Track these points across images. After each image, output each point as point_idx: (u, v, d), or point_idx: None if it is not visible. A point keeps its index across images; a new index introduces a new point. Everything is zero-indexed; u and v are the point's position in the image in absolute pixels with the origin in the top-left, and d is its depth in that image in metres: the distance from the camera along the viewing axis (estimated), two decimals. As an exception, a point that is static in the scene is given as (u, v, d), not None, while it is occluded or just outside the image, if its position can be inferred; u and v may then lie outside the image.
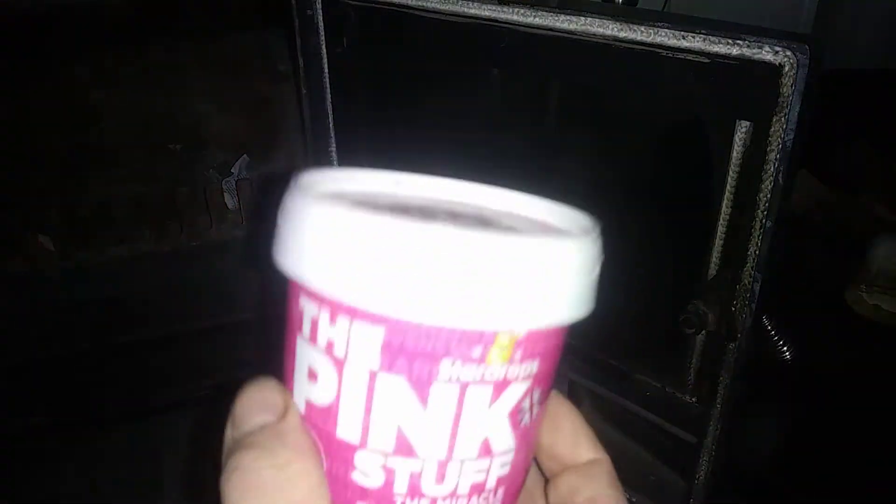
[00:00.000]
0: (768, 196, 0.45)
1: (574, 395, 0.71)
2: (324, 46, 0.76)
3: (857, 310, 0.74)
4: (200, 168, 1.09)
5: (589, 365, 0.63)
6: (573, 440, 0.26)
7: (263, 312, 0.97)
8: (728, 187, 0.48)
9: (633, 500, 0.63)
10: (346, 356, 0.19)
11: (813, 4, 1.36)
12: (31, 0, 0.81)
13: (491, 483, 0.21)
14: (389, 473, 0.20)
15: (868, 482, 0.76)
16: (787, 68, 0.42)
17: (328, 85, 0.78)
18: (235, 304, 0.99)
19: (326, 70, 0.77)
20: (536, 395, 0.21)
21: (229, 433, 0.21)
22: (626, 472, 0.66)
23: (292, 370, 0.21)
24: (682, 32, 0.46)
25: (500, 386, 0.19)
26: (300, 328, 0.20)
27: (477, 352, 0.18)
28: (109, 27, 0.96)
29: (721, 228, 0.50)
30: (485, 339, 0.18)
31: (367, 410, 0.19)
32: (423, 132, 0.74)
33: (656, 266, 0.57)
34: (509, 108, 0.64)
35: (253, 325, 0.97)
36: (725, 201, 0.49)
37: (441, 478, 0.20)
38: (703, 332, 0.51)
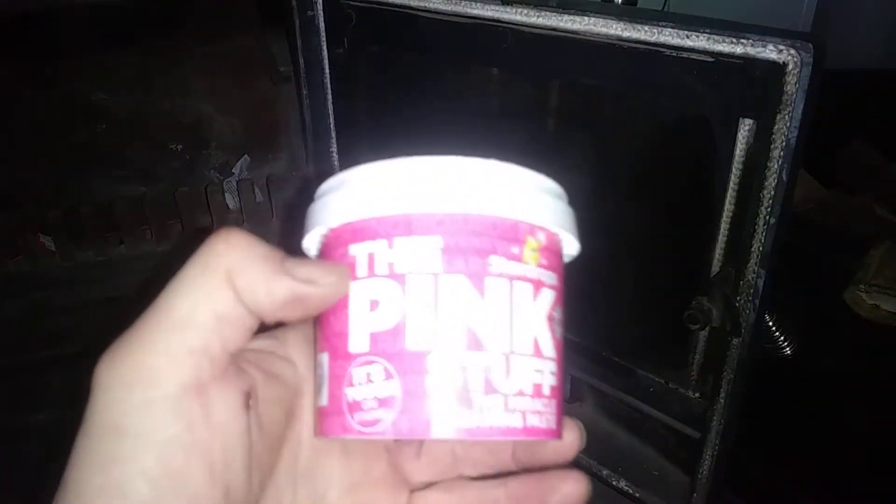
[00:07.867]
0: (772, 193, 0.46)
1: (577, 392, 0.71)
2: (324, 47, 0.76)
3: (856, 310, 0.74)
4: (201, 168, 1.09)
5: (593, 361, 0.63)
6: None
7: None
8: (731, 184, 0.49)
9: (637, 495, 0.63)
10: (408, 270, 0.22)
11: (812, 4, 1.36)
12: (32, 0, 0.81)
13: (546, 389, 0.23)
14: (463, 372, 0.22)
15: (868, 481, 0.76)
16: (790, 66, 0.43)
17: (329, 85, 0.78)
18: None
19: (327, 70, 0.77)
20: (558, 314, 0.24)
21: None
22: (630, 468, 0.66)
23: (346, 322, 0.23)
24: (686, 31, 0.46)
25: (537, 285, 0.23)
26: (354, 275, 0.23)
27: (515, 250, 0.23)
28: (109, 27, 0.96)
29: (724, 225, 0.50)
30: (519, 238, 0.23)
31: (435, 312, 0.22)
32: (424, 133, 0.74)
33: (661, 262, 0.57)
34: (511, 107, 0.64)
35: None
36: (729, 198, 0.49)
37: (508, 371, 0.22)
38: (707, 327, 0.52)
